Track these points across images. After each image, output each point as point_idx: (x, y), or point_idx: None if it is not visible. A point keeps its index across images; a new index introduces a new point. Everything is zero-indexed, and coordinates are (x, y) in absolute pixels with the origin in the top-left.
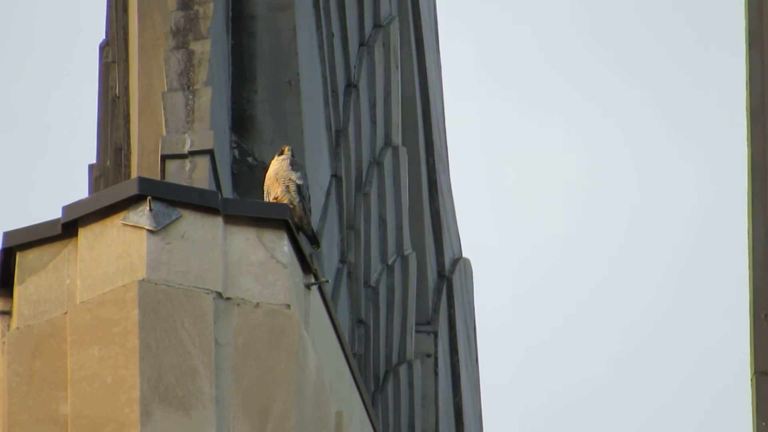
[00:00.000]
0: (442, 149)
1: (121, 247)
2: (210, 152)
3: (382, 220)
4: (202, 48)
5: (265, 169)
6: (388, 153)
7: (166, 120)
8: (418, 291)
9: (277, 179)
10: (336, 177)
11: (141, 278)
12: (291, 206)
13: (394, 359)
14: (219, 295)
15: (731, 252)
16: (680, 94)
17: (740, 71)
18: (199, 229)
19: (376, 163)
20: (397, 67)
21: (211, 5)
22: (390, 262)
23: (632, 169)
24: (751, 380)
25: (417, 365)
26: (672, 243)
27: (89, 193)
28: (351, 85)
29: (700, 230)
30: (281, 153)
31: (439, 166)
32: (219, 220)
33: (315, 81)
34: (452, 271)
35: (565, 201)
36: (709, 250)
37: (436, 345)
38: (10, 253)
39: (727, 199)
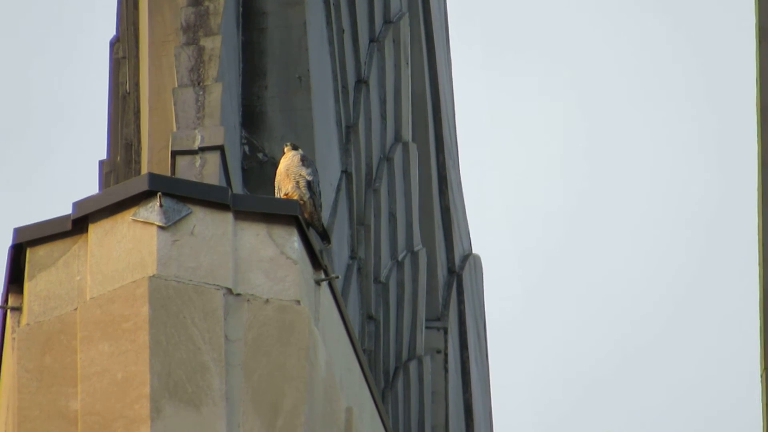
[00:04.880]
0: (452, 145)
1: (132, 243)
2: (220, 148)
3: (392, 216)
4: (212, 44)
5: (276, 165)
6: (398, 149)
7: (176, 116)
8: (428, 287)
9: (288, 175)
10: (346, 173)
11: (151, 274)
12: (301, 202)
13: (404, 355)
14: (229, 291)
15: (741, 248)
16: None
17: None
18: (209, 225)
19: (386, 159)
20: (407, 64)
21: (222, 1)
22: (400, 258)
23: (644, 168)
24: (761, 376)
25: (427, 361)
26: (682, 240)
27: (99, 189)
28: (361, 81)
29: (710, 227)
30: (293, 148)
31: (449, 163)
32: (229, 216)
33: (325, 77)
34: (462, 267)
35: (575, 200)
36: (719, 247)
37: (446, 341)
38: (20, 249)
39: (738, 195)
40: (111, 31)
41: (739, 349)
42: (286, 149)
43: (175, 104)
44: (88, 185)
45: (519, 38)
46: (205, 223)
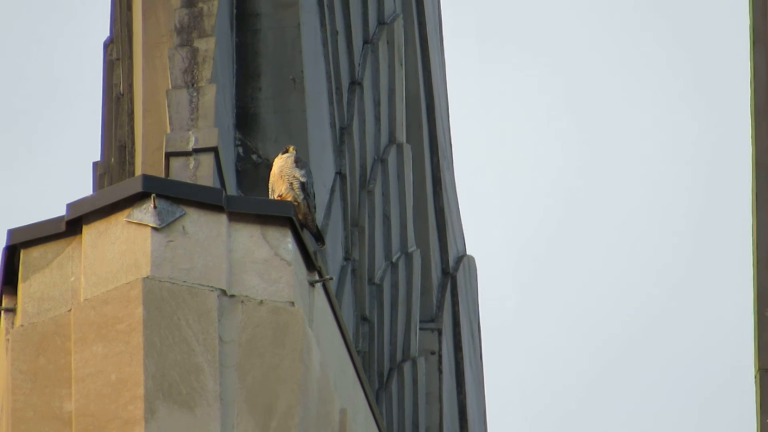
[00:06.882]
0: (446, 147)
1: (125, 244)
2: (214, 150)
3: (387, 218)
4: (206, 45)
5: (269, 166)
6: (393, 150)
7: (170, 117)
8: (423, 288)
9: (282, 177)
10: (340, 174)
11: (145, 276)
12: (295, 203)
13: (398, 356)
14: (223, 292)
15: (735, 249)
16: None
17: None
18: (203, 227)
19: (381, 160)
20: (401, 65)
21: (216, 3)
22: (394, 260)
23: (638, 170)
24: (755, 377)
25: (421, 362)
26: (676, 241)
27: (93, 190)
28: (355, 83)
29: (703, 227)
30: (285, 151)
31: (443, 164)
32: (223, 218)
33: (319, 78)
34: (456, 269)
35: (569, 199)
36: (713, 248)
37: (440, 342)
38: (14, 250)
39: (732, 197)
40: (105, 33)
41: (733, 351)
42: (290, 150)
43: (168, 106)
44: (82, 187)
45: (514, 40)
46: (199, 224)
